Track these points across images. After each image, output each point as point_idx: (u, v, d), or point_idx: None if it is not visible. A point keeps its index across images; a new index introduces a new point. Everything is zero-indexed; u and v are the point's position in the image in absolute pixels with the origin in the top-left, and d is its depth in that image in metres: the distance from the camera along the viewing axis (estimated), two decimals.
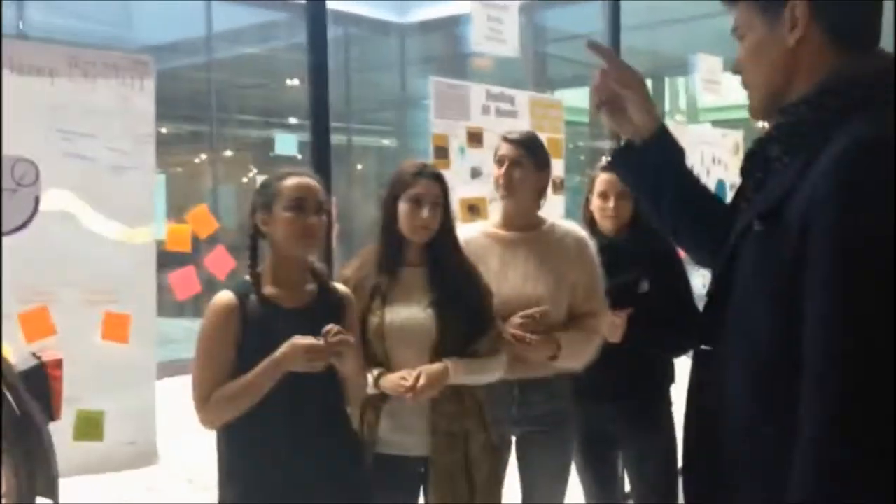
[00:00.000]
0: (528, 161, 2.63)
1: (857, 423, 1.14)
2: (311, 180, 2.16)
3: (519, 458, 2.69)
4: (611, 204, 2.86)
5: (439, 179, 2.38)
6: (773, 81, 1.38)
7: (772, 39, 1.36)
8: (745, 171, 1.46)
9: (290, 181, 2.12)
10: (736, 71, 1.47)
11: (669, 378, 2.95)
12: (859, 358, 1.15)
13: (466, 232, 2.69)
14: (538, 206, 2.71)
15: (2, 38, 2.31)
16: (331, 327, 2.03)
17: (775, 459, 1.24)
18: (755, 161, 1.43)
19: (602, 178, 2.89)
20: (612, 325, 2.73)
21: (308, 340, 2.01)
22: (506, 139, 2.67)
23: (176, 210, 3.02)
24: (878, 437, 1.13)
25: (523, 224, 2.68)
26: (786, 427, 1.21)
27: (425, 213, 2.32)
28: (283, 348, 2.02)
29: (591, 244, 2.69)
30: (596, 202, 2.92)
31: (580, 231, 2.73)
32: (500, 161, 2.65)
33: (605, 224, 2.91)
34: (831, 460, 1.16)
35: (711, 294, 1.43)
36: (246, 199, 2.23)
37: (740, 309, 1.34)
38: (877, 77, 1.30)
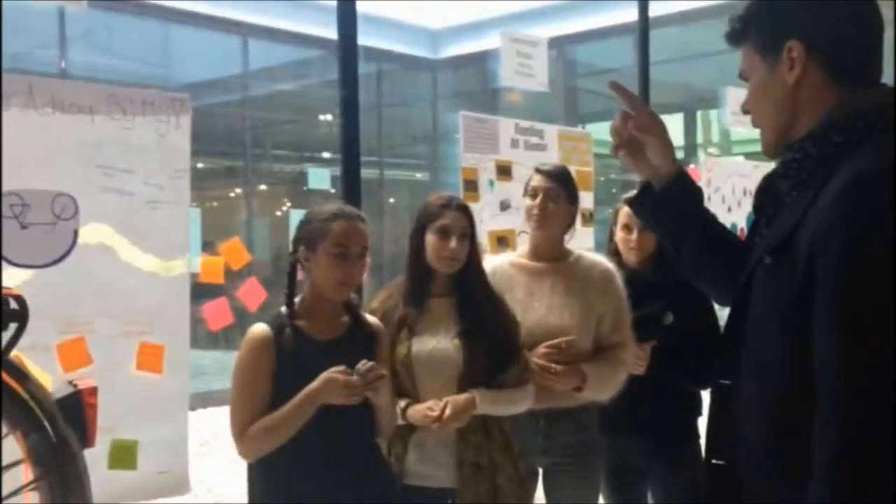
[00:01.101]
0: (561, 193, 2.66)
1: (868, 456, 1.15)
2: (359, 224, 2.15)
3: (546, 491, 2.68)
4: (634, 236, 2.87)
5: (466, 211, 2.41)
6: (778, 120, 1.41)
7: (773, 80, 1.40)
8: (757, 208, 1.48)
9: (338, 225, 2.12)
10: (745, 111, 1.50)
11: (696, 410, 2.93)
12: (868, 389, 1.15)
13: (493, 262, 2.71)
14: (566, 239, 2.74)
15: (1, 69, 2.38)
16: (365, 363, 2.05)
17: (791, 492, 1.25)
18: (766, 197, 1.45)
19: (625, 211, 2.90)
20: (636, 358, 2.73)
21: (345, 377, 2.02)
22: (539, 171, 2.70)
23: (211, 244, 3.08)
24: (890, 469, 1.13)
25: (550, 255, 2.70)
26: (801, 459, 1.21)
27: (452, 244, 2.35)
28: (320, 381, 2.03)
29: (618, 276, 2.70)
30: (620, 234, 2.93)
31: (606, 263, 2.74)
32: (533, 193, 2.66)
33: (630, 256, 2.91)
34: (844, 492, 1.16)
35: (727, 329, 1.45)
36: (279, 233, 2.27)
37: (754, 342, 1.36)
38: (878, 110, 1.32)
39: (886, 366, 1.14)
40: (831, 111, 1.34)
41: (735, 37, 1.47)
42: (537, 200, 2.64)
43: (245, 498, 2.19)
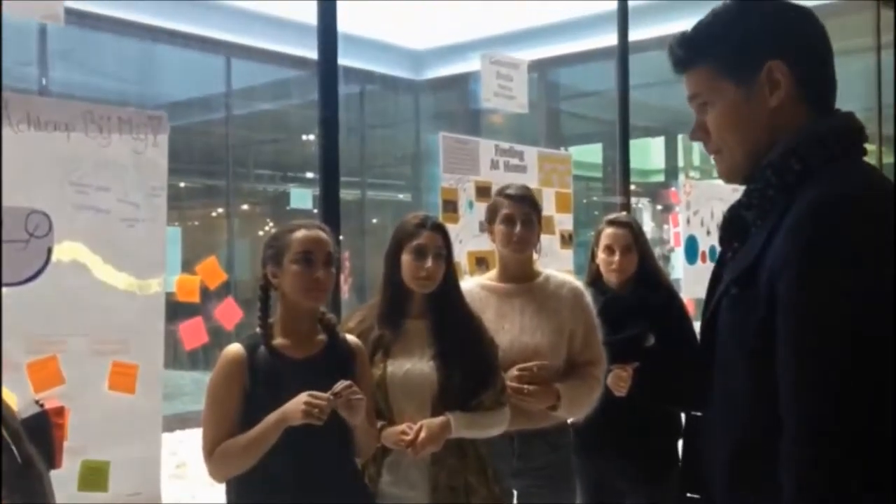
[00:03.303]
0: (535, 216, 2.68)
1: (833, 485, 1.13)
2: (320, 233, 2.17)
3: None
4: (616, 258, 2.88)
5: (441, 231, 2.40)
6: (755, 142, 1.35)
7: (749, 102, 1.34)
8: (723, 241, 1.45)
9: (299, 234, 2.14)
10: (697, 138, 1.42)
11: (677, 432, 2.93)
12: (829, 420, 1.14)
13: (463, 286, 2.70)
14: (534, 257, 2.75)
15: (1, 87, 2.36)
16: (342, 383, 2.02)
17: None
18: (733, 229, 1.42)
19: (607, 233, 2.91)
20: (618, 379, 2.72)
21: (306, 399, 1.98)
22: (510, 198, 2.68)
23: (191, 263, 3.06)
24: (854, 497, 1.12)
25: (520, 276, 2.70)
26: (772, 490, 1.20)
27: (428, 263, 2.33)
28: (287, 406, 2.01)
29: (587, 294, 2.71)
30: (601, 256, 2.94)
31: (575, 281, 2.76)
32: (508, 220, 2.65)
33: (611, 278, 2.92)
34: None
35: (697, 361, 1.42)
36: (261, 253, 2.26)
37: (722, 374, 1.34)
38: (836, 136, 1.30)
39: (848, 398, 1.13)
40: (790, 138, 1.31)
41: (683, 62, 1.41)
42: (517, 228, 2.63)
43: None
